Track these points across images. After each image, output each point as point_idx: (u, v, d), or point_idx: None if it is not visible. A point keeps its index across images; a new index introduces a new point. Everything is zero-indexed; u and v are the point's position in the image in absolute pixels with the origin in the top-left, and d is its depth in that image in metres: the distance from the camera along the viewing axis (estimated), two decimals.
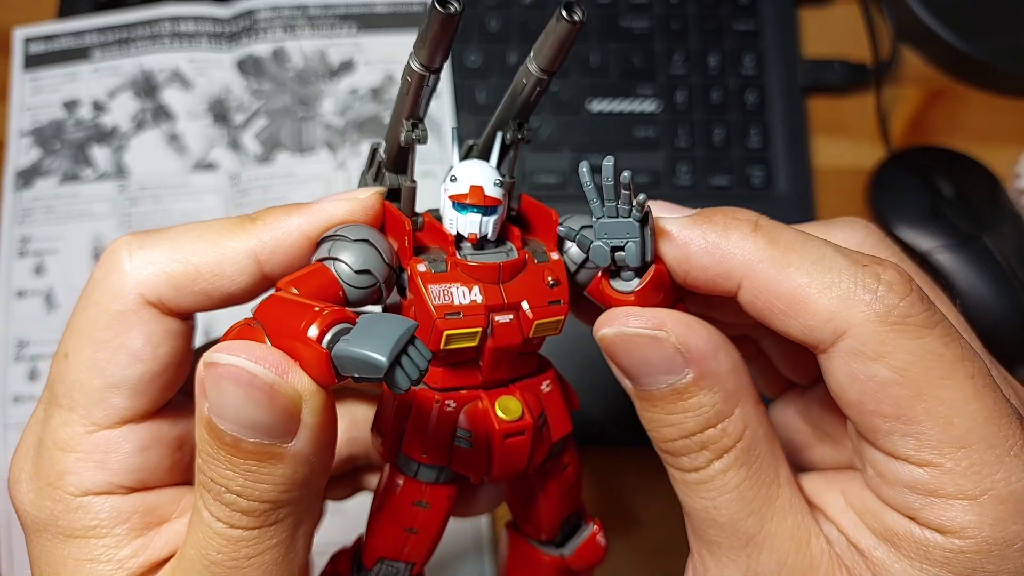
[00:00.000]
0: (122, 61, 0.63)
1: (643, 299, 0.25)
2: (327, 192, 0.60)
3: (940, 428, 0.23)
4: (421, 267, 0.25)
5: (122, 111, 0.62)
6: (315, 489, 0.24)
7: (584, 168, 0.24)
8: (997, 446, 0.23)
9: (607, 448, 0.54)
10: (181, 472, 0.28)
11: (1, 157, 0.61)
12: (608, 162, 0.23)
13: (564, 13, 0.23)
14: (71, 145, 0.61)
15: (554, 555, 0.32)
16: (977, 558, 0.23)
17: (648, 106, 0.63)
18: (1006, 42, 0.64)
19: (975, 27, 0.64)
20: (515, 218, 0.29)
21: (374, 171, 0.29)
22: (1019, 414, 0.24)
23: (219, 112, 0.62)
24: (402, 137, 0.26)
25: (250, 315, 0.24)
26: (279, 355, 0.22)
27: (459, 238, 0.26)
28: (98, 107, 0.62)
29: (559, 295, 0.27)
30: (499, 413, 0.27)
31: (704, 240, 0.25)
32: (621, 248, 0.24)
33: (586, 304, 0.29)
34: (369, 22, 0.64)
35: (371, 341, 0.21)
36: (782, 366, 0.32)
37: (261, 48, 0.63)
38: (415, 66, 0.24)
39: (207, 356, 0.22)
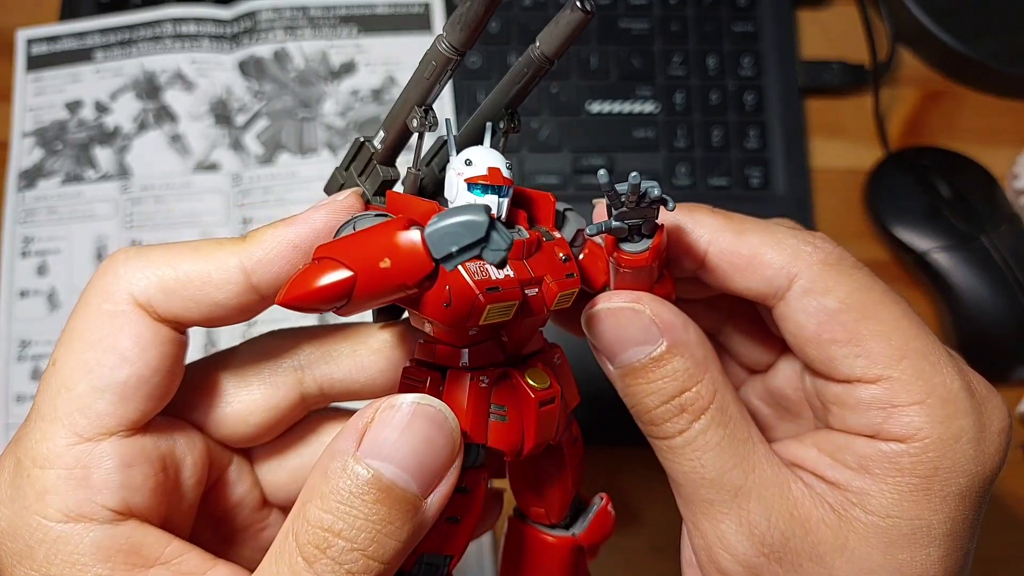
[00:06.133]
0: (124, 62, 0.63)
1: (655, 252, 0.27)
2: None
3: (883, 343, 0.27)
4: None
5: (124, 112, 0.62)
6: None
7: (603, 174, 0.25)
8: (930, 355, 0.27)
9: (605, 447, 0.54)
10: (164, 496, 0.27)
11: (4, 158, 0.62)
12: (635, 180, 0.25)
13: (579, 3, 0.25)
14: (73, 146, 0.62)
15: (564, 535, 0.33)
16: (935, 456, 0.26)
17: (647, 107, 0.63)
18: (1003, 43, 0.64)
19: (972, 28, 0.64)
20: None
21: (362, 164, 0.29)
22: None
23: (221, 113, 0.62)
24: (414, 123, 0.26)
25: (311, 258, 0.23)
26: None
27: None
28: (100, 108, 0.62)
29: (571, 268, 0.28)
30: (531, 382, 0.28)
31: (676, 220, 0.30)
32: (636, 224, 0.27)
33: (566, 313, 0.30)
34: (370, 24, 0.65)
35: (457, 213, 0.22)
36: (742, 353, 0.36)
37: (263, 49, 0.63)
38: (443, 48, 0.24)
39: (391, 400, 0.24)
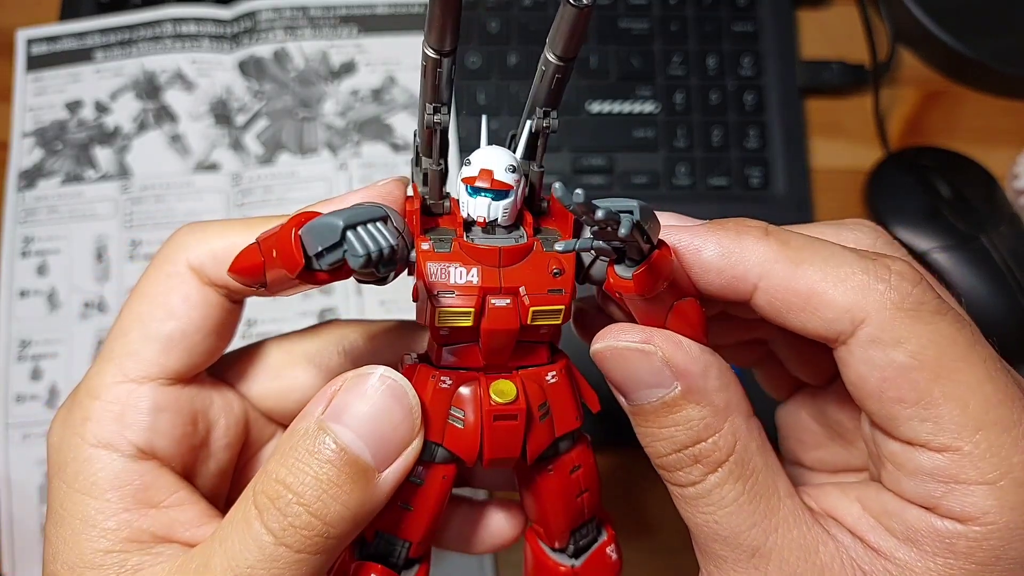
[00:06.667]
0: (124, 62, 0.63)
1: (641, 284, 0.24)
2: (328, 193, 0.60)
3: (958, 410, 0.23)
4: (424, 245, 0.26)
5: (124, 112, 0.62)
6: (355, 534, 0.25)
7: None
8: (1011, 429, 0.23)
9: (620, 447, 0.54)
10: (190, 449, 0.29)
11: (4, 158, 0.62)
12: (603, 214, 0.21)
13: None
14: (74, 146, 0.62)
15: (565, 565, 0.31)
16: (1000, 544, 0.23)
17: (647, 107, 0.63)
18: (1003, 43, 0.64)
19: (972, 29, 0.64)
20: (545, 210, 0.29)
21: (414, 155, 0.30)
22: None
23: (221, 113, 0.62)
24: (424, 121, 0.26)
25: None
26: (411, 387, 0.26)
27: (472, 221, 0.27)
28: (100, 108, 0.62)
29: (562, 284, 0.26)
30: (492, 395, 0.27)
31: (718, 246, 0.26)
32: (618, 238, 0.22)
33: (589, 321, 0.29)
34: (370, 24, 0.65)
35: (336, 213, 0.22)
36: (795, 367, 0.32)
37: (263, 49, 0.63)
38: (427, 51, 0.25)
39: (361, 370, 0.25)
